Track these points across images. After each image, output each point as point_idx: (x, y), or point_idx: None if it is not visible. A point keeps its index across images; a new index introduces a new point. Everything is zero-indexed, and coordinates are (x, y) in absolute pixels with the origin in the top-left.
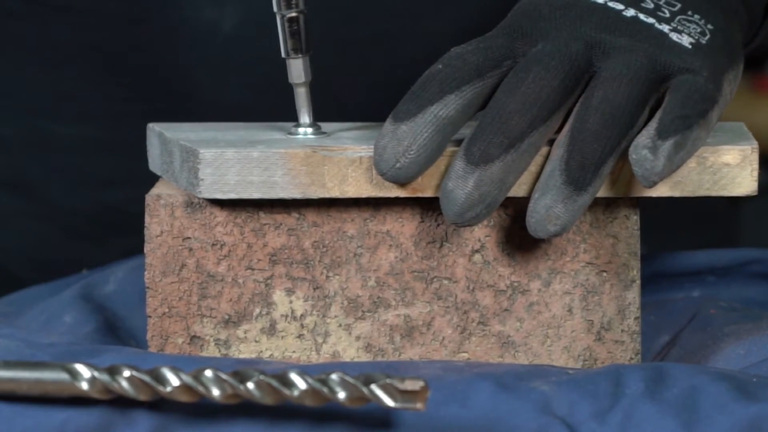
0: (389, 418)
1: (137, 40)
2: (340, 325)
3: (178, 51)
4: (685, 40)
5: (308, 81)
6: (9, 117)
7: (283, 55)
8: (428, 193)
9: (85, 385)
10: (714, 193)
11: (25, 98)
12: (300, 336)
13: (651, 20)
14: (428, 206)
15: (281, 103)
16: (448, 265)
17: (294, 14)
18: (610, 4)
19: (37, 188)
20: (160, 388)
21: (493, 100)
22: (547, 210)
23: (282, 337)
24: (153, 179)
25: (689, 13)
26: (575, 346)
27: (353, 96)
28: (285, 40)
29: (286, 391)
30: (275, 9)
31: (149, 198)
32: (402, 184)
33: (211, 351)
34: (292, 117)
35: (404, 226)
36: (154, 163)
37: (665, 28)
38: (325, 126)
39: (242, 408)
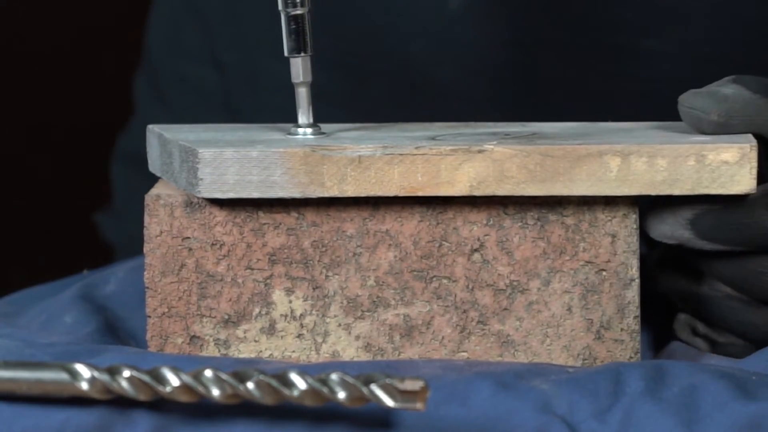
0: (389, 418)
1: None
2: (340, 325)
3: (397, 21)
4: None
5: (309, 81)
6: (232, 47)
7: (285, 53)
8: (427, 192)
9: (85, 385)
10: (713, 191)
11: (248, 32)
12: (299, 336)
13: None
14: (427, 205)
15: (489, 88)
16: (448, 264)
17: (298, 12)
18: None
19: (245, 116)
20: (160, 388)
21: None
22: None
23: (281, 337)
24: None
25: None
26: (575, 345)
27: (354, 97)
28: (288, 38)
29: (286, 391)
30: (280, 7)
31: (148, 198)
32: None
33: (211, 351)
34: (504, 102)
35: (403, 226)
36: (154, 164)
37: None
38: (324, 127)
39: (242, 408)
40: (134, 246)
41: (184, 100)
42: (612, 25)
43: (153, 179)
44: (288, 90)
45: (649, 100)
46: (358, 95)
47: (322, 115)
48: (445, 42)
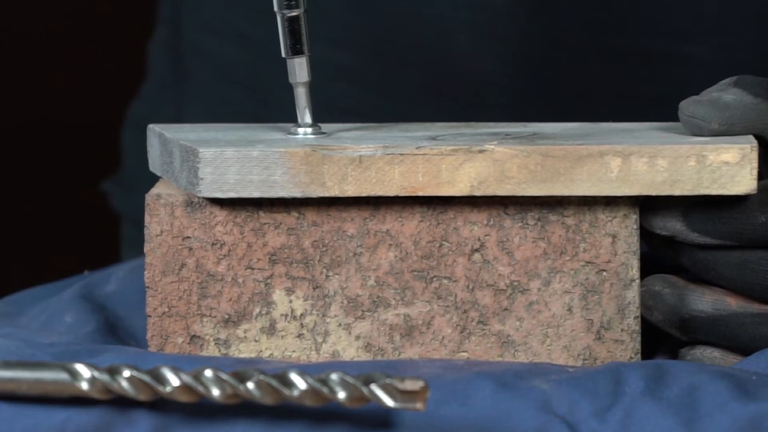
0: (389, 418)
1: None
2: (340, 325)
3: (440, 12)
4: None
5: (308, 81)
6: (257, 22)
7: (283, 54)
8: (428, 192)
9: (85, 385)
10: (713, 192)
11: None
12: (300, 335)
13: None
14: (428, 205)
15: (527, 84)
16: (448, 264)
17: (295, 14)
18: None
19: (272, 92)
20: (160, 388)
21: None
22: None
23: (282, 337)
24: (369, 109)
25: None
26: (575, 345)
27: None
28: (285, 39)
29: (286, 391)
30: (276, 8)
31: (149, 198)
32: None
33: (211, 350)
34: (539, 98)
35: (404, 226)
36: (154, 164)
37: None
38: (325, 127)
39: (242, 408)
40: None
41: (203, 72)
42: (652, 29)
43: None
44: (312, 69)
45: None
46: (395, 82)
47: (355, 100)
48: (486, 36)
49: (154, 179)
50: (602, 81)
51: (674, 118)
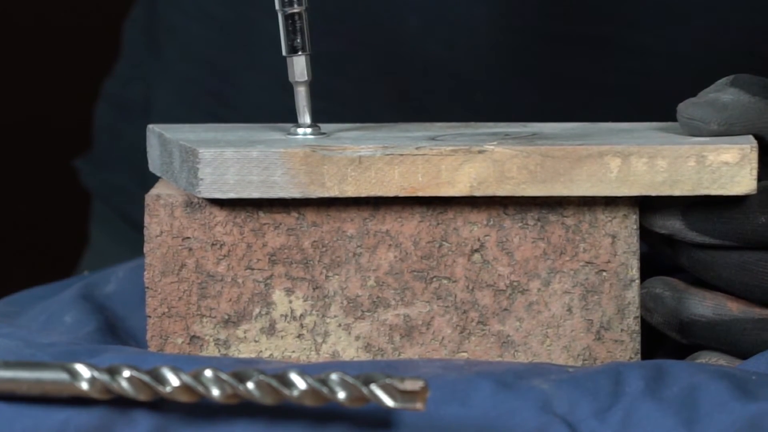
0: (389, 418)
1: None
2: (340, 325)
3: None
4: None
5: (309, 80)
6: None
7: (283, 53)
8: (428, 193)
9: (85, 385)
10: (713, 192)
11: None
12: (299, 336)
13: None
14: (428, 205)
15: (478, 68)
16: (448, 264)
17: (295, 11)
18: None
19: (238, 72)
20: (160, 388)
21: None
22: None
23: (281, 337)
24: (345, 95)
25: None
26: (575, 345)
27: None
28: (286, 37)
29: (286, 391)
30: (276, 6)
31: (149, 198)
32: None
33: (211, 351)
34: (491, 82)
35: (403, 226)
36: (154, 164)
37: None
38: (325, 127)
39: (242, 408)
40: (114, 195)
41: (173, 51)
42: (602, 17)
43: (136, 124)
44: (278, 48)
45: (636, 93)
46: (348, 66)
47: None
48: (437, 19)
49: (123, 157)
50: (550, 68)
51: (625, 106)
